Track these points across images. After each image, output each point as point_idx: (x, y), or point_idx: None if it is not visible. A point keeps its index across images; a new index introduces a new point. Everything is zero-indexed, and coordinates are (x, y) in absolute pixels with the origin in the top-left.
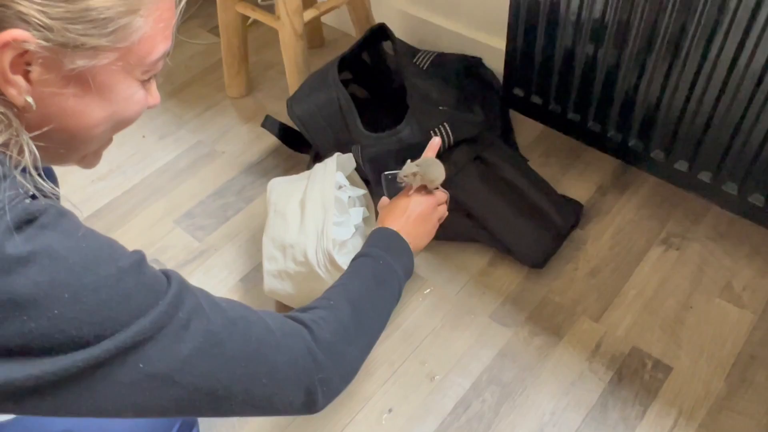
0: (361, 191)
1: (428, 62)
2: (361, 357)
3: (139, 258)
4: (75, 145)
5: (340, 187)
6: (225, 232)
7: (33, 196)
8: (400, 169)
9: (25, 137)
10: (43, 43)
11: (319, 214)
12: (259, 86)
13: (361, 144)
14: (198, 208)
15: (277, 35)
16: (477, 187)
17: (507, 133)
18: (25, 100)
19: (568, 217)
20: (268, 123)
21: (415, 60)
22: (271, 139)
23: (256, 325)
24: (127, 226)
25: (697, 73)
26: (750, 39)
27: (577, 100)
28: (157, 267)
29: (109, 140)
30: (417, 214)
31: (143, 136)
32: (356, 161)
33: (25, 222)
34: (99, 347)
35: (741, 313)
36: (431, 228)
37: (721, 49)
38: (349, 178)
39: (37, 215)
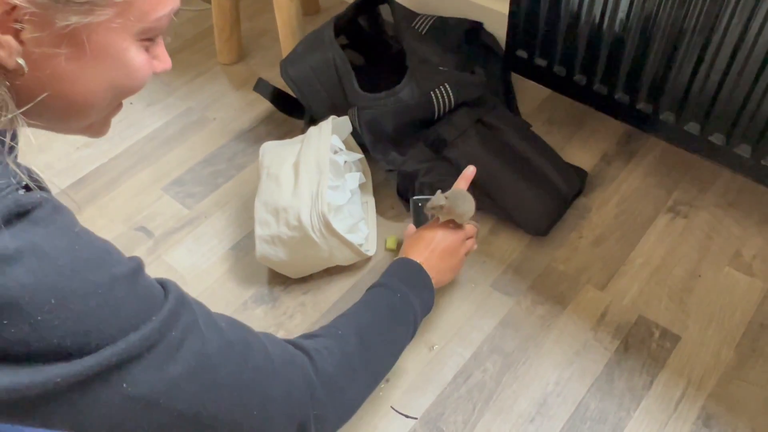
0: (358, 155)
1: (427, 27)
2: (362, 396)
3: (135, 266)
4: (73, 115)
5: (336, 152)
6: (215, 200)
7: (26, 187)
8: (424, 191)
9: (20, 119)
10: None
11: (314, 177)
12: (251, 53)
13: (358, 106)
14: (187, 175)
15: (270, 1)
16: (478, 151)
17: (509, 100)
18: (16, 62)
19: (573, 184)
20: (261, 86)
21: (413, 24)
22: (263, 106)
23: (255, 351)
24: (114, 193)
25: (711, 30)
26: None
27: (584, 61)
28: (144, 235)
29: (118, 107)
30: (443, 247)
31: (131, 103)
32: (353, 125)
33: (16, 215)
34: (81, 363)
35: (751, 281)
36: (457, 263)
37: (735, 6)
38: (345, 143)
39: (30, 209)
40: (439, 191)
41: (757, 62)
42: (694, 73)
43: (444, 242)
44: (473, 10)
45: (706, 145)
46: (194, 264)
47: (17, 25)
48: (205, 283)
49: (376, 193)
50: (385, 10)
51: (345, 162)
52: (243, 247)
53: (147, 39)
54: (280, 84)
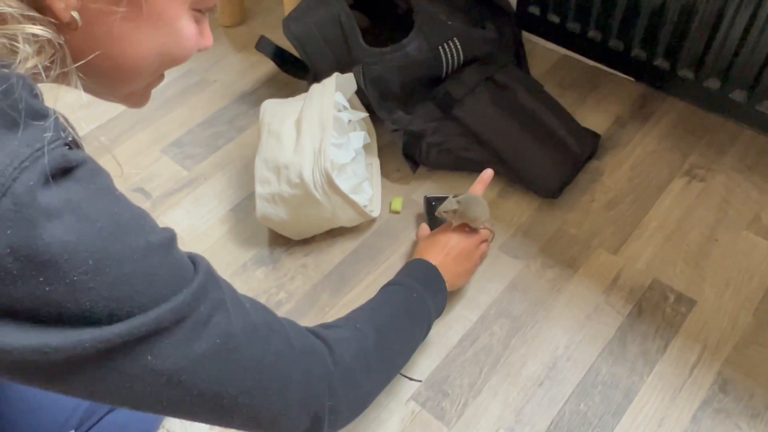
0: (362, 114)
1: None
2: (375, 392)
3: (170, 236)
4: (118, 79)
5: (339, 110)
6: (215, 162)
7: (70, 144)
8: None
9: (74, 74)
10: None
11: (317, 134)
12: (254, 15)
13: (363, 62)
14: (187, 136)
15: None
16: (488, 110)
17: (520, 61)
18: (71, 16)
19: (585, 146)
20: (263, 44)
21: None
22: (265, 68)
23: (278, 336)
24: (112, 154)
25: None
26: None
27: (599, 17)
28: (142, 196)
29: (160, 77)
30: (458, 251)
31: None
32: (357, 83)
33: (61, 171)
34: (110, 329)
35: None
36: (471, 267)
37: None
38: (349, 103)
39: (75, 165)
40: (451, 195)
41: None
42: (715, 26)
43: (459, 246)
44: None
45: (725, 102)
46: (193, 225)
47: None
48: (204, 244)
49: (382, 154)
50: None
51: (349, 121)
52: (243, 208)
53: (198, 11)
54: (284, 45)
